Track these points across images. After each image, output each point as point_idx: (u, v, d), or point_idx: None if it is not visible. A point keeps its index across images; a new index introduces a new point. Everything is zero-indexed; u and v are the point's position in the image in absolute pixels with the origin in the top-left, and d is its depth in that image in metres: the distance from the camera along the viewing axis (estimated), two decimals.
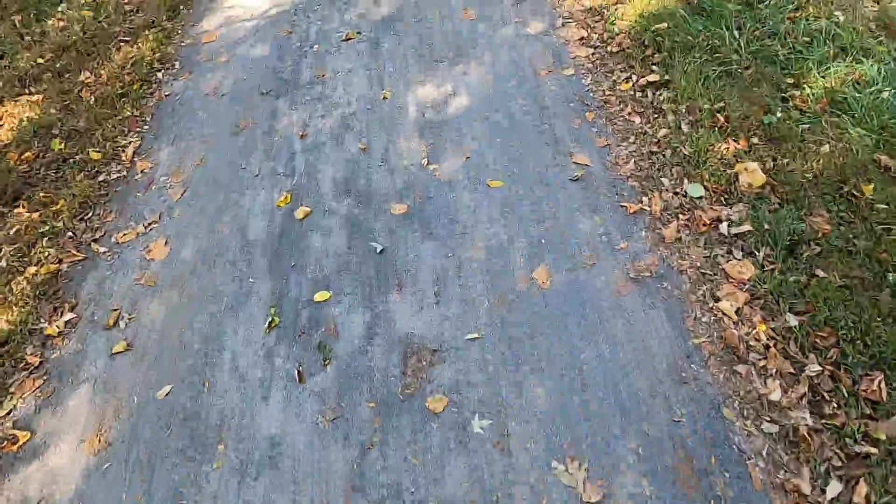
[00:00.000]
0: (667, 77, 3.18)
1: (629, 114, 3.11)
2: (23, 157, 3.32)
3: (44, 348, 2.53)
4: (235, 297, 2.60)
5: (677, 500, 1.87)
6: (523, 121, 3.15)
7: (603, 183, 2.82)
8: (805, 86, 2.96)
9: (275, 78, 3.72)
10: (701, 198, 2.66)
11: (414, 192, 2.90)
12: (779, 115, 2.87)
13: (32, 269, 2.78)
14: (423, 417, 2.14)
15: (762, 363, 2.11)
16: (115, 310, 2.62)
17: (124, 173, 3.25)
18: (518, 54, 3.57)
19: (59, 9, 4.46)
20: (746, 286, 2.32)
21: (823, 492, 1.82)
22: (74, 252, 2.86)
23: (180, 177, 3.18)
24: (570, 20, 3.79)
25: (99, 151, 3.32)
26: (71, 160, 3.30)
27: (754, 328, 2.19)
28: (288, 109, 3.48)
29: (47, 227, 2.94)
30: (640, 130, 3.02)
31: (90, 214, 3.05)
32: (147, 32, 4.15)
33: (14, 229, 2.94)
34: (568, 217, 2.69)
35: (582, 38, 3.63)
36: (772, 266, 2.36)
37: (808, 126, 2.79)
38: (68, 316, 2.62)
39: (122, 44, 4.07)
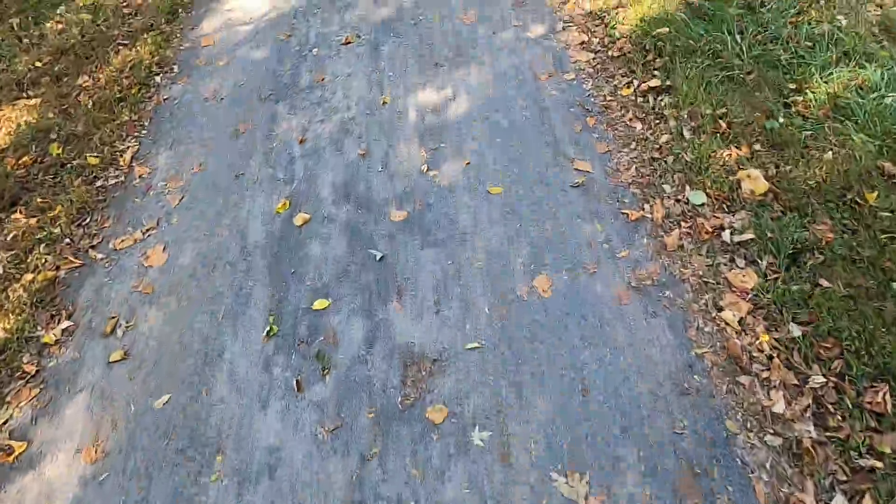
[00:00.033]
0: (668, 82, 3.16)
1: (630, 119, 3.09)
2: (20, 161, 3.30)
3: (40, 356, 2.51)
4: (234, 304, 2.58)
5: None
6: (524, 125, 3.13)
7: (604, 189, 2.80)
8: (807, 91, 2.94)
9: (274, 82, 3.70)
10: (703, 205, 2.63)
11: (414, 198, 2.88)
12: (781, 120, 2.85)
13: (29, 276, 2.76)
14: (424, 428, 2.12)
15: (765, 374, 2.09)
16: (113, 317, 2.60)
17: (122, 178, 3.23)
18: (518, 58, 3.55)
19: (58, 11, 4.44)
20: (749, 295, 2.30)
21: None
22: (72, 258, 2.84)
23: (178, 182, 3.16)
24: (570, 24, 3.77)
25: (97, 156, 3.31)
26: (69, 165, 3.28)
27: (757, 338, 2.17)
28: (287, 114, 3.46)
29: (45, 233, 2.92)
30: (641, 136, 3.00)
31: (88, 220, 3.03)
32: (146, 36, 4.13)
33: (11, 235, 2.92)
34: (569, 224, 2.67)
35: (582, 43, 3.61)
36: (775, 275, 2.34)
37: (810, 132, 2.77)
38: (65, 324, 2.59)
39: (120, 47, 4.05)
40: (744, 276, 2.35)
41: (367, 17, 4.09)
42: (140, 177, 3.22)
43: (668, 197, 2.71)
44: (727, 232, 2.50)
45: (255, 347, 2.42)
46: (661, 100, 3.12)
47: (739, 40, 3.23)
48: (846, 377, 2.03)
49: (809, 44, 3.17)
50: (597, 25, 3.72)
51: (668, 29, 3.40)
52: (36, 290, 2.70)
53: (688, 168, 2.78)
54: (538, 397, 2.15)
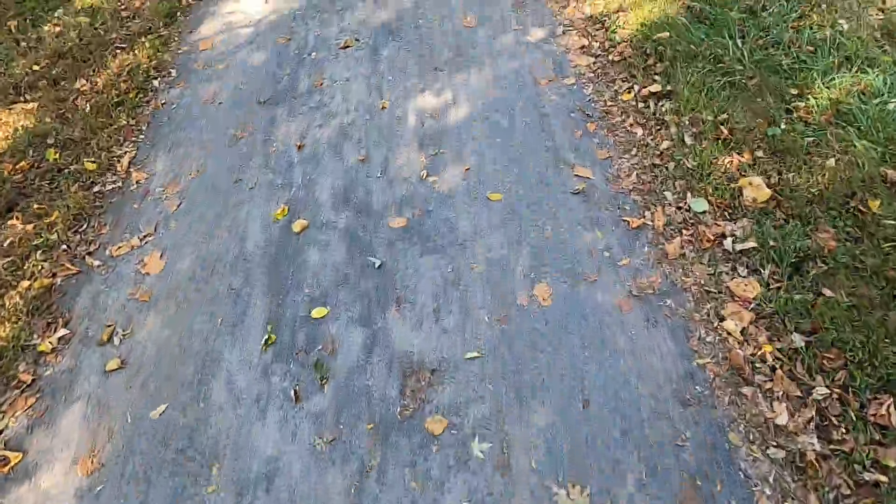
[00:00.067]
0: (669, 87, 3.14)
1: (631, 125, 3.07)
2: (17, 166, 3.28)
3: (36, 365, 2.49)
4: (232, 313, 2.56)
5: None
6: (523, 131, 3.11)
7: (604, 196, 2.78)
8: (810, 96, 2.92)
9: (273, 86, 3.67)
10: (705, 212, 2.61)
11: (413, 204, 2.85)
12: (783, 126, 2.83)
13: (25, 283, 2.73)
14: (423, 439, 2.09)
15: (768, 385, 2.07)
16: (110, 325, 2.58)
17: (119, 184, 3.21)
18: (518, 63, 3.53)
19: (56, 15, 4.41)
20: (752, 305, 2.28)
21: None
22: (68, 265, 2.82)
23: (176, 188, 3.14)
24: (570, 28, 3.75)
25: (94, 161, 3.28)
26: (66, 170, 3.25)
27: (760, 349, 2.15)
28: (286, 119, 3.44)
29: (41, 240, 2.90)
30: (642, 142, 2.98)
31: (85, 227, 3.00)
32: (143, 39, 4.10)
33: (7, 242, 2.89)
34: (569, 231, 2.65)
35: (583, 47, 3.59)
36: (777, 284, 2.32)
37: (812, 139, 2.75)
38: (62, 332, 2.57)
39: (118, 51, 4.03)
40: (746, 284, 2.33)
41: (367, 21, 4.07)
42: (138, 182, 3.20)
43: (670, 204, 2.69)
44: (729, 240, 2.48)
45: (253, 356, 2.40)
46: (662, 105, 3.10)
47: (741, 45, 3.21)
48: (850, 389, 2.01)
49: (811, 48, 3.15)
50: (597, 29, 3.70)
51: (668, 33, 3.38)
52: (32, 298, 2.68)
53: (689, 175, 2.76)
54: (539, 408, 2.12)
